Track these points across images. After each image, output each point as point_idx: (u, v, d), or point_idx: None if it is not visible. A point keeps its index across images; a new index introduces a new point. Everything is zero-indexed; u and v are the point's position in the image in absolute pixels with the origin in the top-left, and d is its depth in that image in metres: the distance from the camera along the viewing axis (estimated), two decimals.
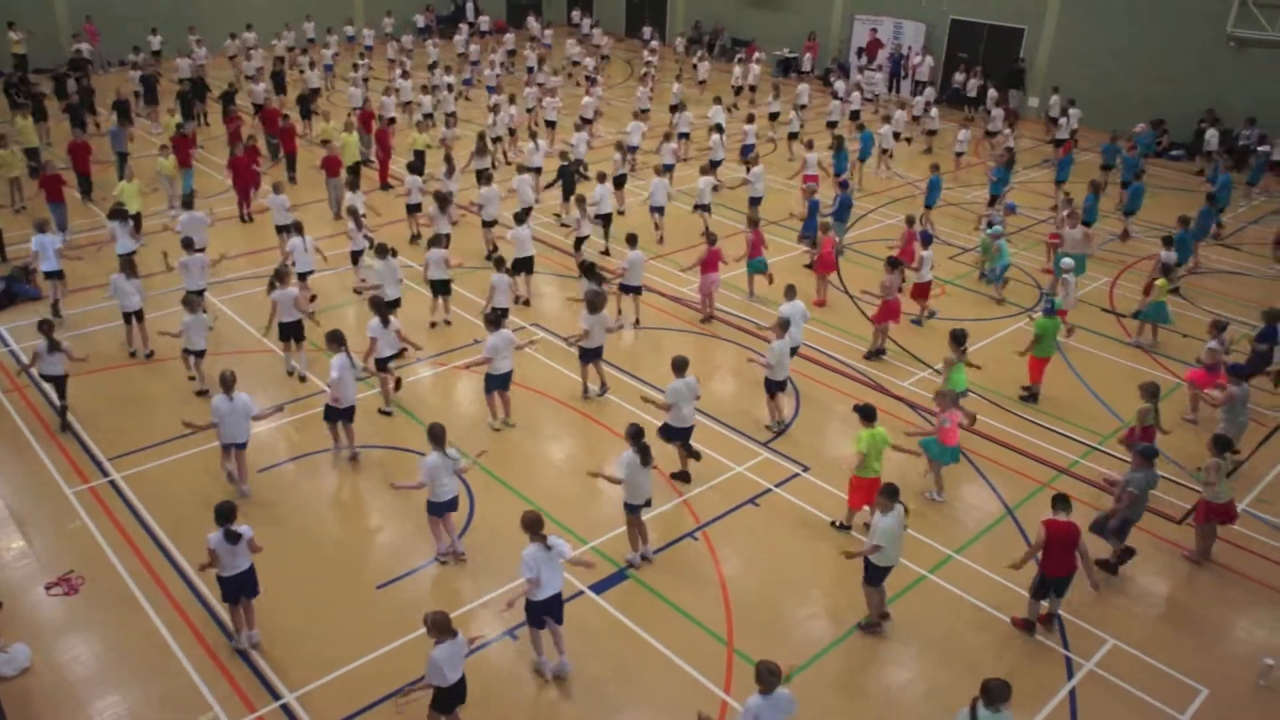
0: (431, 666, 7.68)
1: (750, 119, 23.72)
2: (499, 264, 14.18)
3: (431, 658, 7.66)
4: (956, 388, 12.33)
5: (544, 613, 8.71)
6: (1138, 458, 10.30)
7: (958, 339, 12.50)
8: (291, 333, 13.57)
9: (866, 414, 10.65)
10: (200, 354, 13.22)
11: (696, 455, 11.98)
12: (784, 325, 12.59)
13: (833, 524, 11.20)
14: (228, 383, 10.79)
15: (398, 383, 13.46)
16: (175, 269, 14.47)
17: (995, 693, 7.08)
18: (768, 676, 7.19)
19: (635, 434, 9.95)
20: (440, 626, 7.65)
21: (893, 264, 14.75)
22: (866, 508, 10.52)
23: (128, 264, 14.13)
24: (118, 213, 15.77)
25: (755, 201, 19.89)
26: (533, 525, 8.50)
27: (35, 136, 21.55)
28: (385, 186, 21.75)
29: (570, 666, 8.98)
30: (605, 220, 18.36)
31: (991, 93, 28.28)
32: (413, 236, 18.83)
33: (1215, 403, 12.34)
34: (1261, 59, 25.48)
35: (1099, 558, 10.36)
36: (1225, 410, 12.25)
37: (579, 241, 17.55)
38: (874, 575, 9.45)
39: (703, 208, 19.32)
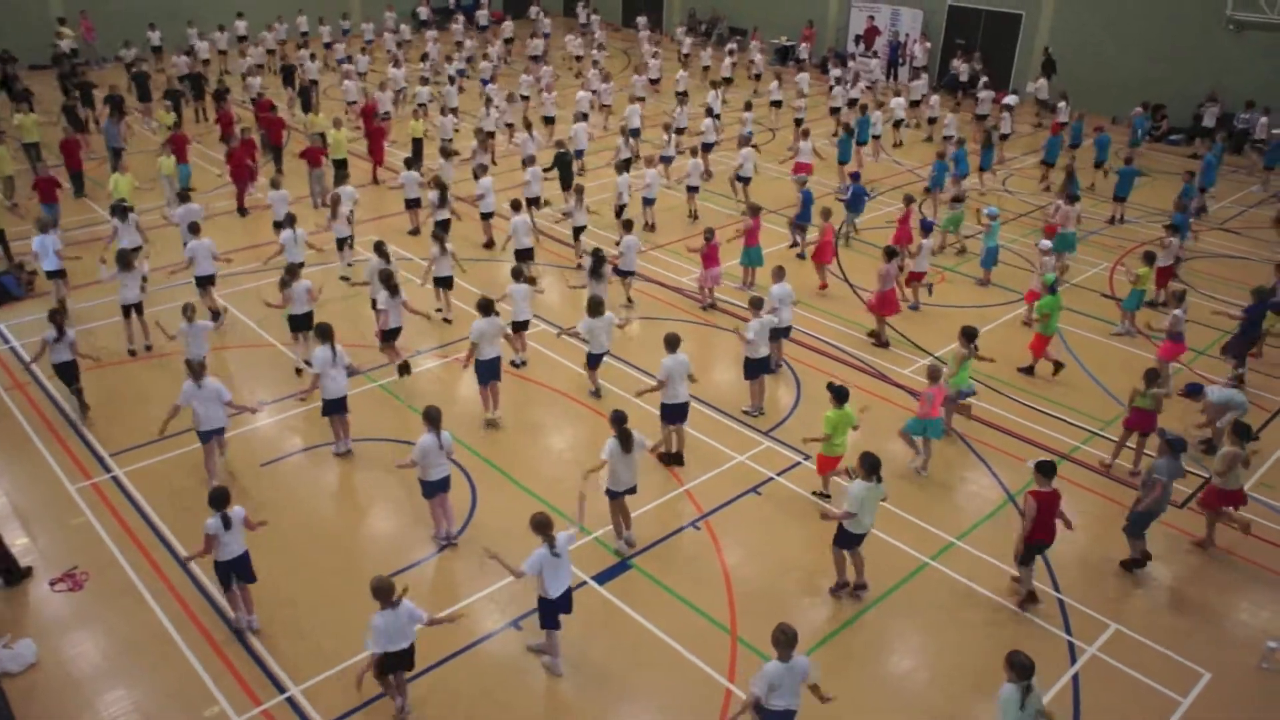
0: (375, 634, 7.78)
1: (748, 106, 23.66)
2: (516, 274, 13.89)
3: (372, 624, 7.77)
4: (960, 385, 12.30)
5: (558, 610, 8.66)
6: (1164, 446, 10.25)
7: (969, 335, 12.30)
8: (302, 325, 13.69)
9: (839, 395, 10.81)
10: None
11: (679, 460, 12.01)
12: (756, 305, 12.77)
13: (813, 493, 11.48)
14: (195, 370, 10.79)
15: (405, 367, 13.58)
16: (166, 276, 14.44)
17: (1023, 669, 7.13)
18: (784, 642, 7.22)
19: (617, 419, 9.99)
20: (382, 592, 7.76)
21: (890, 253, 14.75)
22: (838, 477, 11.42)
23: (123, 257, 13.98)
24: (119, 209, 15.71)
25: (744, 182, 19.87)
26: (541, 526, 8.39)
27: (37, 132, 21.35)
28: (377, 180, 21.70)
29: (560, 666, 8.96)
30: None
31: (983, 79, 28.19)
32: (411, 230, 18.79)
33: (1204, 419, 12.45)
34: (1261, 42, 25.39)
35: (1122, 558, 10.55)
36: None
37: (577, 231, 17.49)
38: (844, 539, 9.70)
39: (692, 190, 19.59)
